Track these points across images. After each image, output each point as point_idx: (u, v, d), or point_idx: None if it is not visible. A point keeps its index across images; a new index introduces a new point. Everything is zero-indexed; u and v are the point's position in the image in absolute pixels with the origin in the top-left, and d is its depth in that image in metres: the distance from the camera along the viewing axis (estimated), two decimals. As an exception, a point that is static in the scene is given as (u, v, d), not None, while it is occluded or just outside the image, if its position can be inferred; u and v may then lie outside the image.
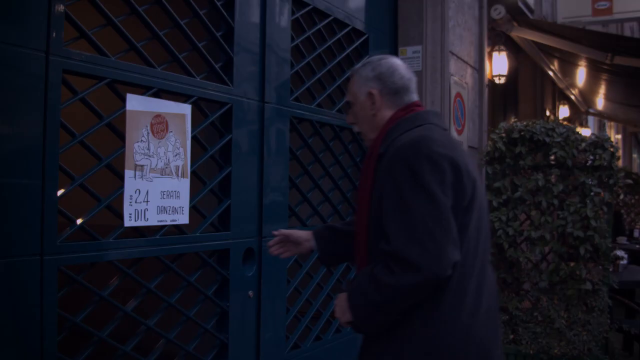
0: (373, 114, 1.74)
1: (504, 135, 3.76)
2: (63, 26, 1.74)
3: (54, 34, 1.70)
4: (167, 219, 2.04)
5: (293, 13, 2.67)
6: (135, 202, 1.93)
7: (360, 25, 3.19)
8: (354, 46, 3.15)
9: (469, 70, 4.19)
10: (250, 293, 2.42)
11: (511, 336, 3.58)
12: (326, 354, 2.89)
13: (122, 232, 1.92)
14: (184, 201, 2.10)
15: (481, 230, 1.64)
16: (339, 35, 3.02)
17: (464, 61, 4.07)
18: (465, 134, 4.02)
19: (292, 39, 2.66)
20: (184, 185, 2.10)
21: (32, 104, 1.65)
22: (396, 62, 1.77)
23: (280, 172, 2.59)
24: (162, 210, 2.02)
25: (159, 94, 2.05)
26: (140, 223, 1.94)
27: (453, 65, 3.82)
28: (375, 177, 1.63)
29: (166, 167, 2.03)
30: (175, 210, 2.07)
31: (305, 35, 2.76)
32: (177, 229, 2.12)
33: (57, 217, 1.72)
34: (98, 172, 1.86)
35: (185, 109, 2.12)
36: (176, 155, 2.07)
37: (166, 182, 2.03)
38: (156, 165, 2.00)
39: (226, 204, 2.32)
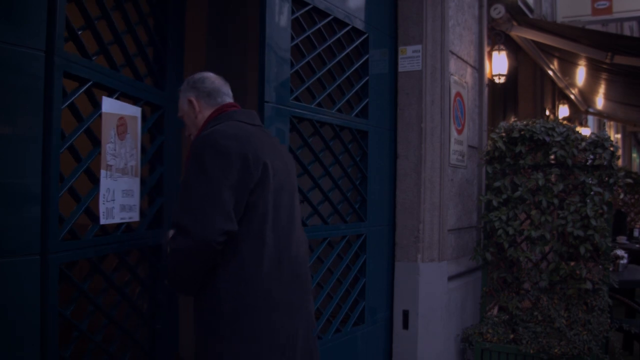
0: (195, 116, 2.09)
1: (503, 134, 3.76)
2: (64, 26, 1.74)
3: (54, 34, 1.70)
4: (127, 217, 2.15)
5: (293, 12, 2.67)
6: (107, 200, 2.01)
7: (360, 25, 3.18)
8: (353, 45, 3.15)
9: (469, 70, 4.19)
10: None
11: (511, 336, 3.58)
12: (325, 354, 2.88)
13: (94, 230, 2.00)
14: (136, 199, 2.21)
15: (280, 208, 1.97)
16: (338, 35, 3.01)
17: (463, 60, 4.06)
18: (465, 133, 4.02)
19: (292, 39, 2.66)
20: (136, 184, 2.21)
21: (33, 103, 1.65)
22: (207, 74, 2.15)
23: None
24: (123, 208, 2.11)
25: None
26: (110, 221, 2.04)
27: (453, 65, 3.82)
28: None
29: (125, 167, 2.12)
30: (131, 208, 2.17)
31: (305, 35, 2.75)
32: (127, 226, 2.21)
33: (57, 216, 1.72)
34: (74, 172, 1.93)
35: (138, 111, 2.22)
36: (131, 155, 2.17)
37: (125, 182, 2.13)
38: (119, 165, 2.09)
39: (160, 203, 2.45)
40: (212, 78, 2.11)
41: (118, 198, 2.08)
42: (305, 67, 2.76)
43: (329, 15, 2.93)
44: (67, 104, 1.80)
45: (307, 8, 2.77)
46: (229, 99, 2.12)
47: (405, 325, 3.38)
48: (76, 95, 1.86)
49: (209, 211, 1.78)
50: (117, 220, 2.08)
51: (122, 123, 2.09)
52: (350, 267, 3.13)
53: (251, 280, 1.86)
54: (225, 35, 4.64)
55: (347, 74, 3.08)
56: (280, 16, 2.59)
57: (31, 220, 1.65)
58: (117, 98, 2.09)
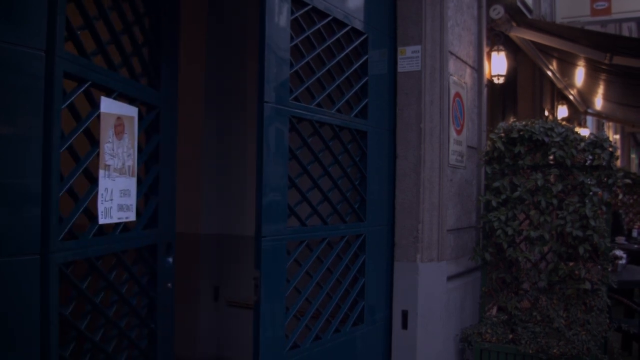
0: None
1: (503, 135, 3.76)
2: (64, 26, 1.74)
3: (55, 34, 1.70)
4: (124, 216, 2.17)
5: (292, 12, 2.67)
6: (105, 200, 2.03)
7: (359, 25, 3.19)
8: (353, 46, 3.15)
9: (468, 70, 4.19)
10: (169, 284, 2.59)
11: (510, 336, 3.58)
12: (325, 354, 2.89)
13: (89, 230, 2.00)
14: (133, 199, 2.22)
15: None
16: (338, 35, 3.01)
17: (463, 61, 4.07)
18: (464, 134, 4.02)
19: (292, 39, 2.66)
20: (133, 184, 2.22)
21: (33, 103, 1.65)
22: None
23: (280, 172, 2.59)
24: (120, 207, 2.13)
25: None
26: (108, 220, 2.05)
27: (452, 65, 3.82)
28: None
29: (122, 167, 2.14)
30: (128, 208, 2.19)
31: (305, 35, 2.75)
32: (124, 226, 2.23)
33: (58, 216, 1.73)
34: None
35: (135, 111, 2.24)
36: (129, 155, 2.19)
37: (123, 181, 2.14)
38: (117, 165, 2.10)
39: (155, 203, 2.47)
40: None
41: (116, 198, 2.09)
42: (304, 68, 2.76)
43: (328, 15, 2.93)
44: (67, 103, 1.80)
45: (306, 8, 2.77)
46: None
47: (405, 325, 3.38)
48: (75, 95, 1.87)
49: None
50: (114, 220, 2.10)
51: (119, 123, 2.11)
52: (350, 267, 3.14)
53: None
54: (225, 35, 4.64)
55: (346, 75, 3.09)
56: (280, 16, 2.59)
57: (31, 220, 1.65)
58: (114, 98, 2.10)
